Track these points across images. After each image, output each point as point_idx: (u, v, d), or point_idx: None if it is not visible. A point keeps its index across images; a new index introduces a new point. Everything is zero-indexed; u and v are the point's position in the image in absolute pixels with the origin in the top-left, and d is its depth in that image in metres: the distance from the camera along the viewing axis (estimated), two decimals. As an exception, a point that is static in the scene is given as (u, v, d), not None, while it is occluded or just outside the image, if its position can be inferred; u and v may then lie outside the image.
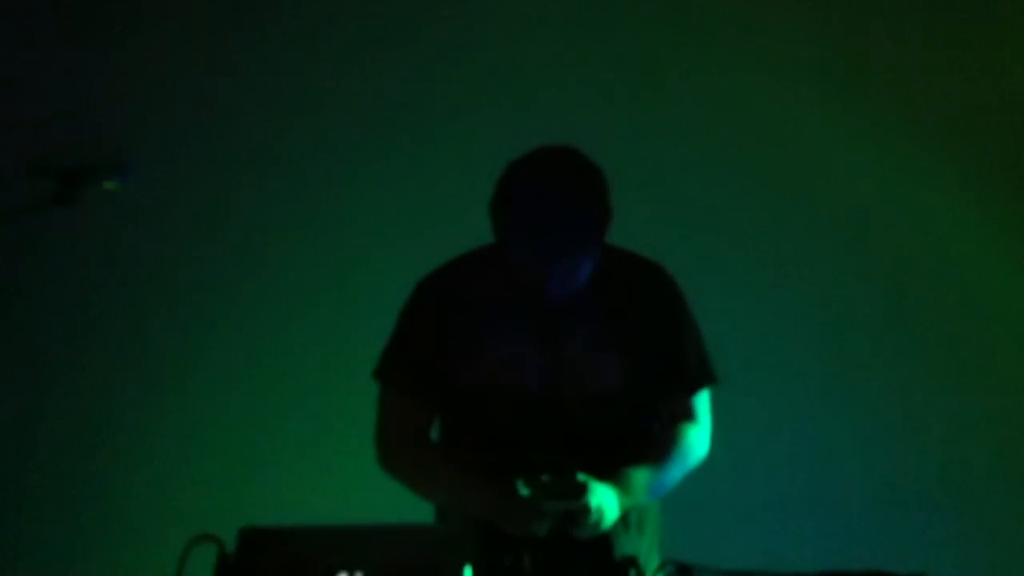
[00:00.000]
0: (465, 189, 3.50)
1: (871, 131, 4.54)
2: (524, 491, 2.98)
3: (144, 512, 4.45)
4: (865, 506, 4.50)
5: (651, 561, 3.19)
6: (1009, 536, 4.47)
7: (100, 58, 4.53)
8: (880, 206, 4.56)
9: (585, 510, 2.98)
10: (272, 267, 4.57)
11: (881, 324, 4.56)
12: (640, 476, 3.12)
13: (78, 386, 4.52)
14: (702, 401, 3.24)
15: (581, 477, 3.00)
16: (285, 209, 4.57)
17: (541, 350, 3.13)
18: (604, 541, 3.09)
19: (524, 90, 4.48)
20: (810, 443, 4.51)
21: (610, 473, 3.07)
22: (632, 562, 3.02)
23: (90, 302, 4.56)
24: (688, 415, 3.23)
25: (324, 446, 4.43)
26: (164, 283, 4.57)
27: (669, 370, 3.18)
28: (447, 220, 4.14)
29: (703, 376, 3.22)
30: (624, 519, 3.12)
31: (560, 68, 4.51)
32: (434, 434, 3.29)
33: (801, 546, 4.40)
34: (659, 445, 3.19)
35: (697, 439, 3.23)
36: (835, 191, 4.56)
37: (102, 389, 4.52)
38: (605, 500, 3.02)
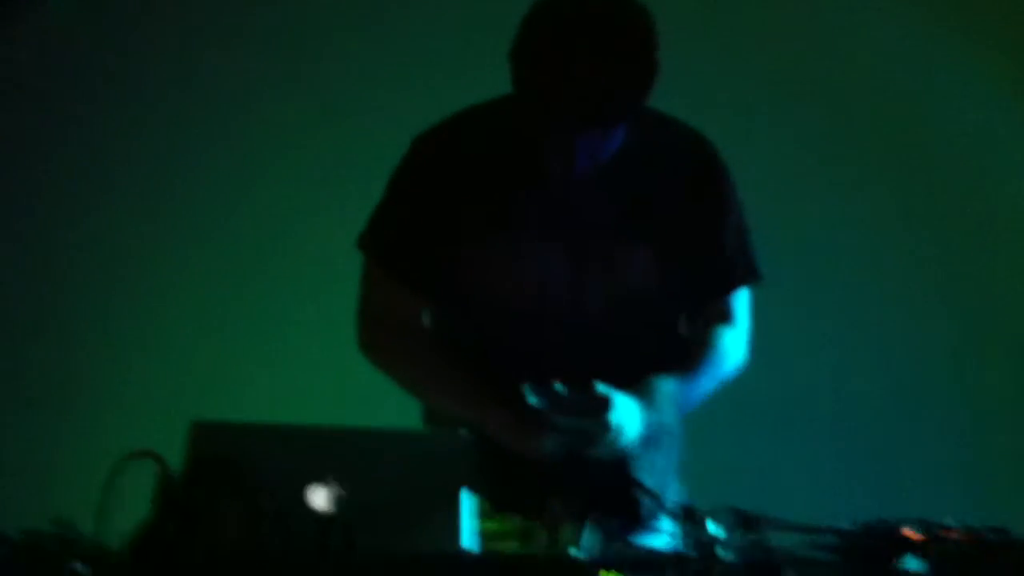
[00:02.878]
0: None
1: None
2: (533, 401, 2.52)
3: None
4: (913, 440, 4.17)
5: (667, 481, 2.79)
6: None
7: None
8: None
9: (604, 428, 2.54)
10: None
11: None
12: (668, 387, 2.66)
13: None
14: (741, 300, 2.79)
15: (601, 389, 2.54)
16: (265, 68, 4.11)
17: (558, 238, 2.66)
18: (621, 460, 2.65)
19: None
20: (856, 362, 4.16)
21: (633, 382, 2.62)
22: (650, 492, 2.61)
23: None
24: (724, 316, 2.77)
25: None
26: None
27: (706, 263, 2.72)
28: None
29: (745, 272, 2.76)
30: (647, 434, 2.64)
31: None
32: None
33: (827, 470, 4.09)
34: (691, 351, 2.74)
35: (733, 345, 2.78)
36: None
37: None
38: (627, 416, 2.57)
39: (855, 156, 4.25)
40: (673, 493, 2.78)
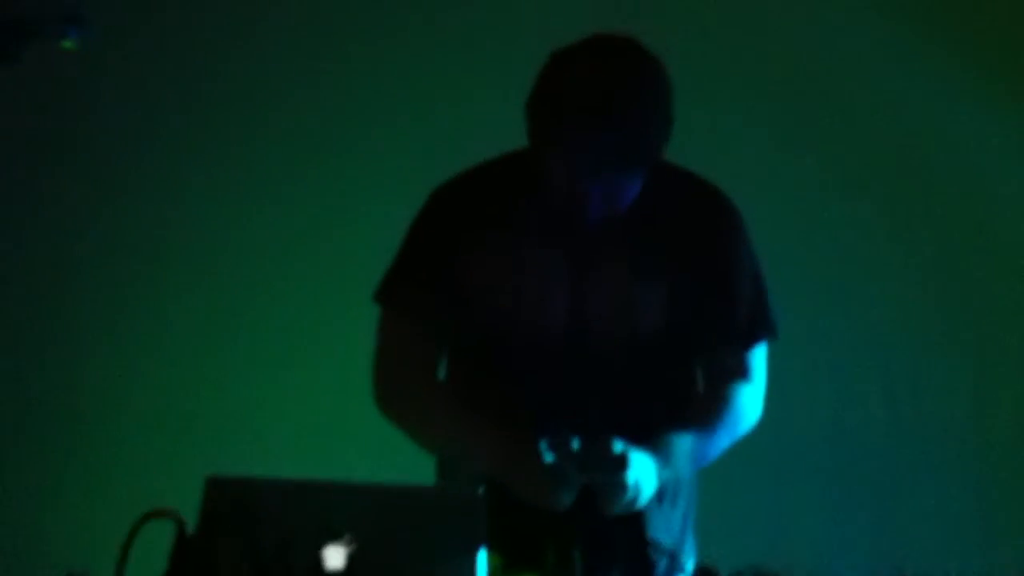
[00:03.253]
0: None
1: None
2: (549, 457, 2.50)
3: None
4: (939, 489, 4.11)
5: (684, 539, 2.76)
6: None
7: None
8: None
9: (621, 486, 2.51)
10: (259, 138, 4.06)
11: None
12: (684, 443, 2.64)
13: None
14: (758, 356, 2.76)
15: (618, 446, 2.52)
16: (273, 69, 4.06)
17: (570, 282, 2.65)
18: (636, 517, 2.61)
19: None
20: (875, 412, 4.10)
21: (648, 438, 2.60)
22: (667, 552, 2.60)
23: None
24: (740, 372, 2.74)
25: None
26: (128, 158, 4.03)
27: (719, 315, 2.70)
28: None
29: (760, 326, 2.74)
30: (661, 489, 2.62)
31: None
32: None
33: (845, 524, 4.02)
34: (706, 406, 2.72)
35: (750, 401, 2.76)
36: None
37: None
38: (643, 473, 2.55)
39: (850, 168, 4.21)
40: (689, 553, 2.77)
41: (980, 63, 4.14)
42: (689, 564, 2.72)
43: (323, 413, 3.93)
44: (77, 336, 4.11)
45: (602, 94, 2.47)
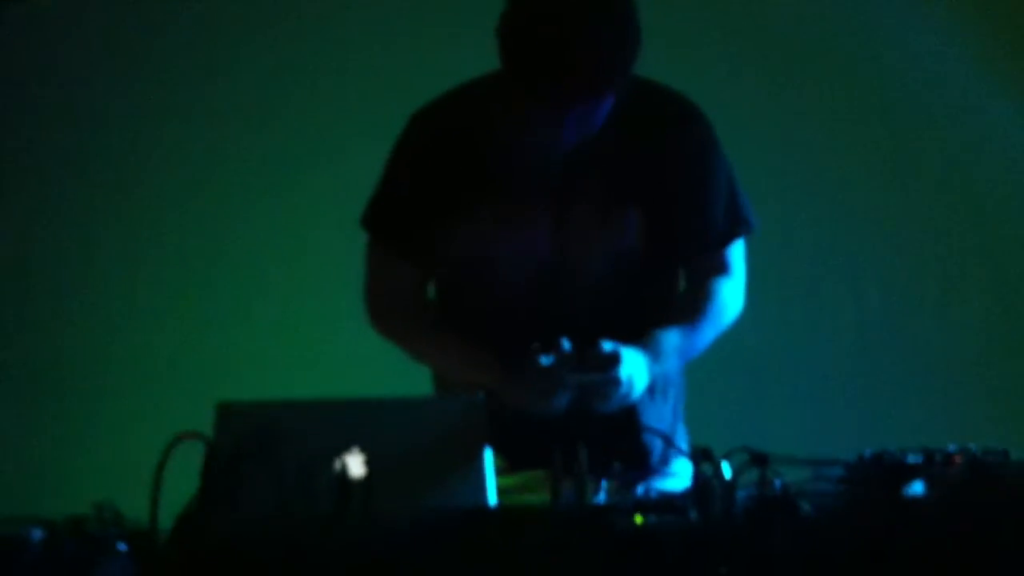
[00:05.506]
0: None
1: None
2: (545, 361, 2.60)
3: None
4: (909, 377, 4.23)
5: (675, 429, 2.89)
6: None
7: None
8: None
9: (615, 382, 2.61)
10: (234, 102, 4.14)
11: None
12: (672, 339, 2.74)
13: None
14: (736, 252, 2.86)
15: (608, 346, 2.62)
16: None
17: (547, 206, 2.73)
18: (629, 410, 2.73)
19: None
20: (847, 308, 4.22)
21: (637, 336, 2.69)
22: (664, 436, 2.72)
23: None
24: (721, 268, 2.84)
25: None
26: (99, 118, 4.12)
27: (696, 223, 2.79)
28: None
29: (736, 225, 2.83)
30: (652, 383, 2.73)
31: None
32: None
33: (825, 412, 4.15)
34: (690, 303, 2.82)
35: (731, 295, 2.86)
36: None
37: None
38: (635, 368, 2.65)
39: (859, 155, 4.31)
40: (681, 440, 2.88)
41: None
42: (683, 446, 2.84)
43: (324, 335, 4.04)
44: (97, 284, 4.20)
45: (564, 22, 2.50)
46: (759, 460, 2.14)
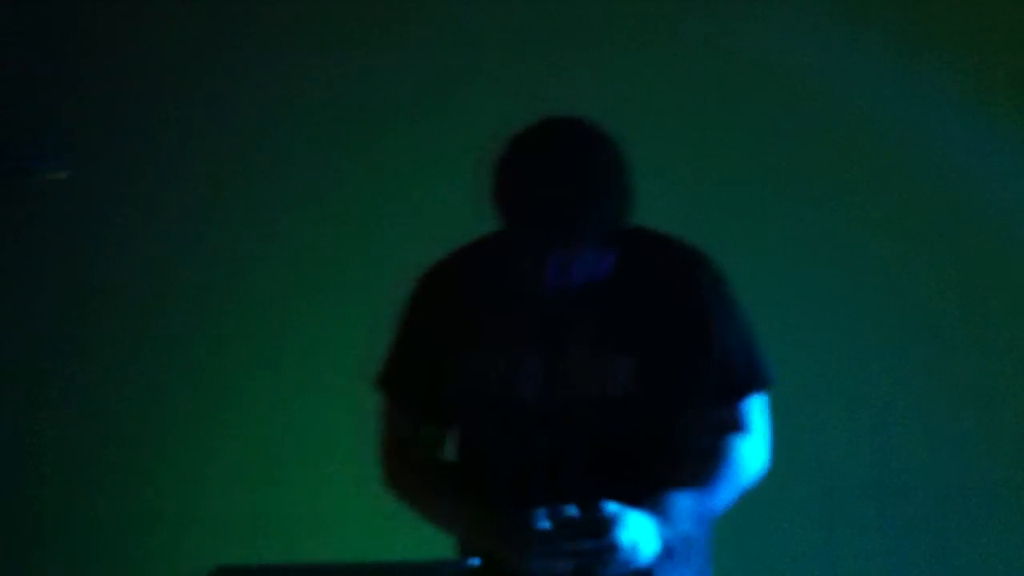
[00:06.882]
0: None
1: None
2: (545, 524, 2.54)
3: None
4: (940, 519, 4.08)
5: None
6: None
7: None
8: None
9: (611, 548, 2.55)
10: (256, 258, 4.18)
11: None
12: (683, 501, 2.67)
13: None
14: (753, 408, 2.79)
15: (612, 507, 2.57)
16: (263, 191, 4.17)
17: (540, 351, 2.71)
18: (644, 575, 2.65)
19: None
20: (882, 452, 4.08)
21: (646, 498, 2.64)
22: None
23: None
24: (736, 425, 2.77)
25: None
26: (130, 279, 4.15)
27: (702, 369, 2.72)
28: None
29: (751, 379, 2.76)
30: (667, 548, 2.65)
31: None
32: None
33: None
34: (703, 462, 2.75)
35: (750, 453, 2.78)
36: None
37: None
38: (640, 532, 2.59)
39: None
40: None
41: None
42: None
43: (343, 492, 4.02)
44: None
45: (545, 169, 2.57)
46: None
